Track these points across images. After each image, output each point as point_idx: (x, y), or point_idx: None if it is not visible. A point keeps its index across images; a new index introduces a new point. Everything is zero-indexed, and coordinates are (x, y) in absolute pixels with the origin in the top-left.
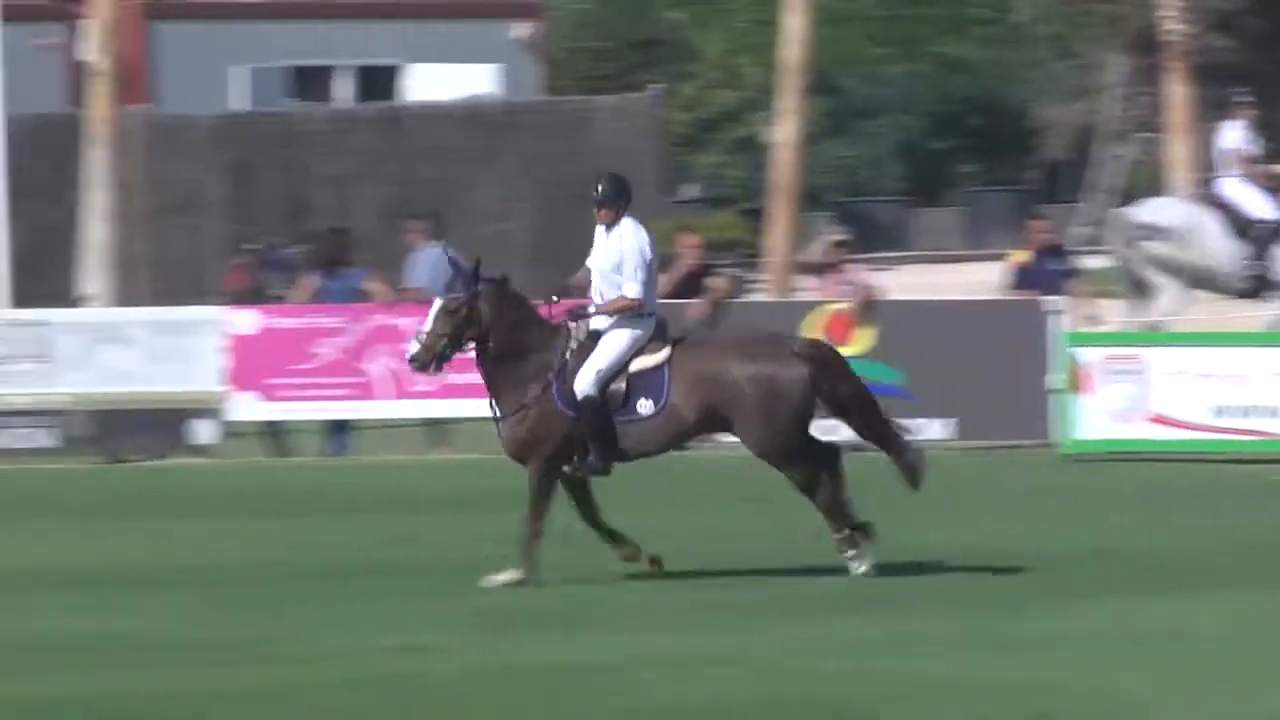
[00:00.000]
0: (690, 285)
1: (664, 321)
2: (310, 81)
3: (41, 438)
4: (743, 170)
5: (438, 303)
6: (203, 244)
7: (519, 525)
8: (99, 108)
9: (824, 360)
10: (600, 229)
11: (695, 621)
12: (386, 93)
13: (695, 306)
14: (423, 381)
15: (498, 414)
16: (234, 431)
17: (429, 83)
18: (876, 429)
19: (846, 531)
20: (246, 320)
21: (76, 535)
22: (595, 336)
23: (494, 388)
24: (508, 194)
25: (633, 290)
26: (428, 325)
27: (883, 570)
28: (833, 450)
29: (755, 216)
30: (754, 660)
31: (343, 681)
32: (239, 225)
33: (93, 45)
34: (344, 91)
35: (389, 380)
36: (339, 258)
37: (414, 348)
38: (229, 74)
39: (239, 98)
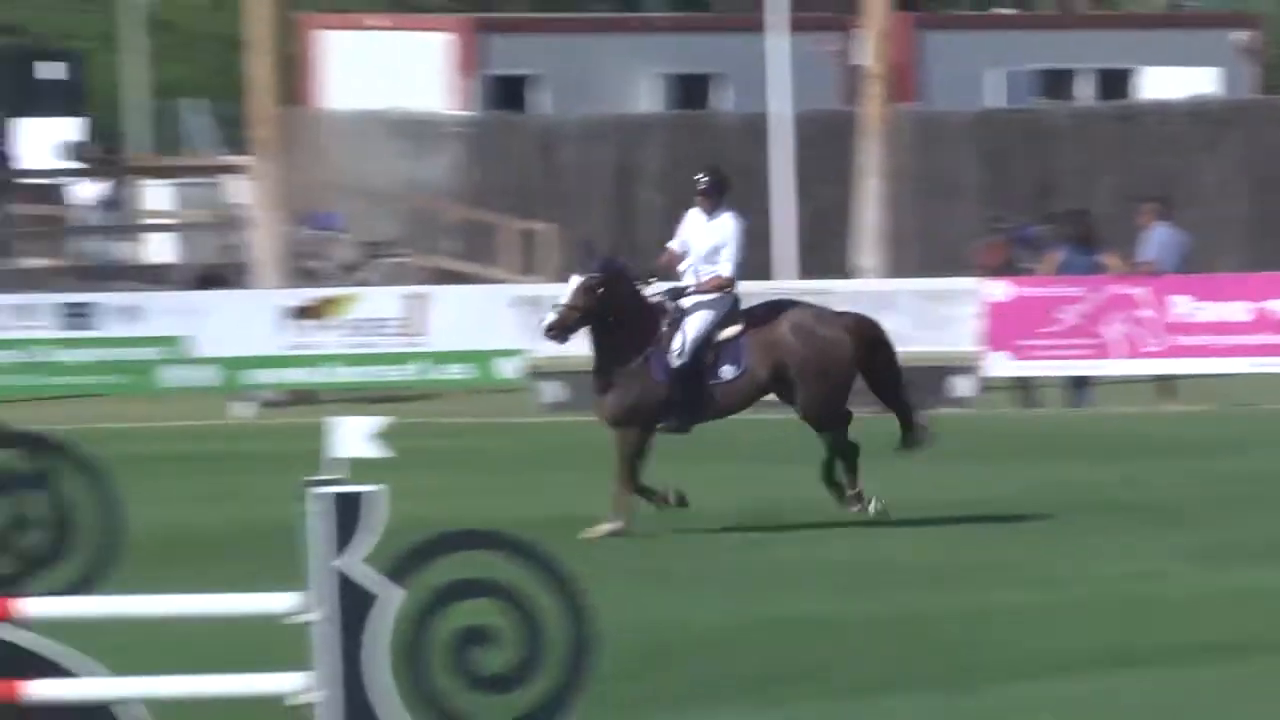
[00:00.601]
0: None
1: (738, 298)
2: (1055, 82)
3: None
4: None
5: (575, 279)
6: (961, 224)
7: (613, 483)
8: (872, 106)
9: (865, 334)
10: (700, 215)
11: None
12: (1122, 92)
13: None
14: (1153, 342)
15: (602, 382)
16: (988, 386)
17: (1159, 84)
18: (897, 399)
19: (860, 486)
20: (999, 290)
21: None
22: (682, 311)
23: (603, 358)
24: (1227, 181)
25: (728, 270)
26: (565, 299)
27: None
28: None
29: None
30: None
31: (1082, 601)
32: (992, 208)
33: (867, 52)
34: (1085, 91)
35: (1123, 342)
36: (1082, 236)
37: (551, 317)
38: (985, 76)
39: (994, 97)
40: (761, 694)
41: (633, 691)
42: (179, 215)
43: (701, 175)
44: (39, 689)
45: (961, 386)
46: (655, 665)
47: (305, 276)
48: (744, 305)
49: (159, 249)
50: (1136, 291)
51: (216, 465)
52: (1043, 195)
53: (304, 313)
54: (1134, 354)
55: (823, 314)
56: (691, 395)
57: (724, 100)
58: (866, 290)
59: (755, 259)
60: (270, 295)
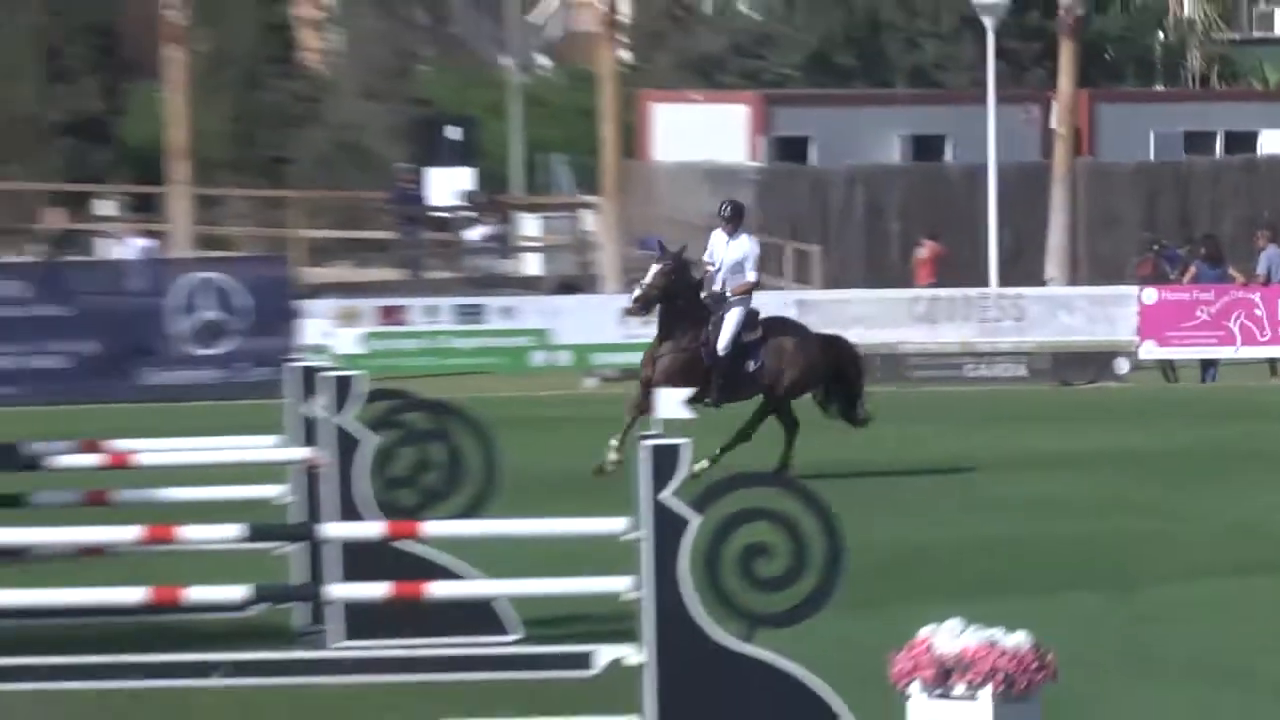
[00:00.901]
0: None
1: (756, 310)
2: (1195, 141)
3: (1017, 370)
4: None
5: (654, 266)
6: (1123, 246)
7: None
8: (1059, 159)
9: (839, 350)
10: (723, 236)
11: None
12: (1246, 148)
13: None
14: (1265, 334)
15: (658, 352)
16: (1140, 366)
17: (1273, 141)
18: (849, 407)
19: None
20: (1151, 295)
21: (1039, 434)
22: (722, 310)
23: (664, 332)
24: None
25: (753, 277)
26: (647, 279)
27: None
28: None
29: None
30: None
31: (1210, 528)
32: (1147, 235)
33: (1056, 118)
34: (1216, 148)
35: (1242, 333)
36: (1212, 255)
37: (636, 293)
38: (1143, 136)
39: (1149, 152)
40: (976, 594)
41: (878, 590)
42: (545, 239)
43: (724, 205)
44: (436, 589)
45: (1121, 367)
46: (891, 573)
47: (637, 285)
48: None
49: (530, 264)
50: (1253, 296)
51: (570, 425)
52: (1183, 225)
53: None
54: (1250, 342)
55: (808, 336)
56: (729, 379)
57: (950, 154)
58: (1052, 295)
59: (971, 272)
60: (611, 299)
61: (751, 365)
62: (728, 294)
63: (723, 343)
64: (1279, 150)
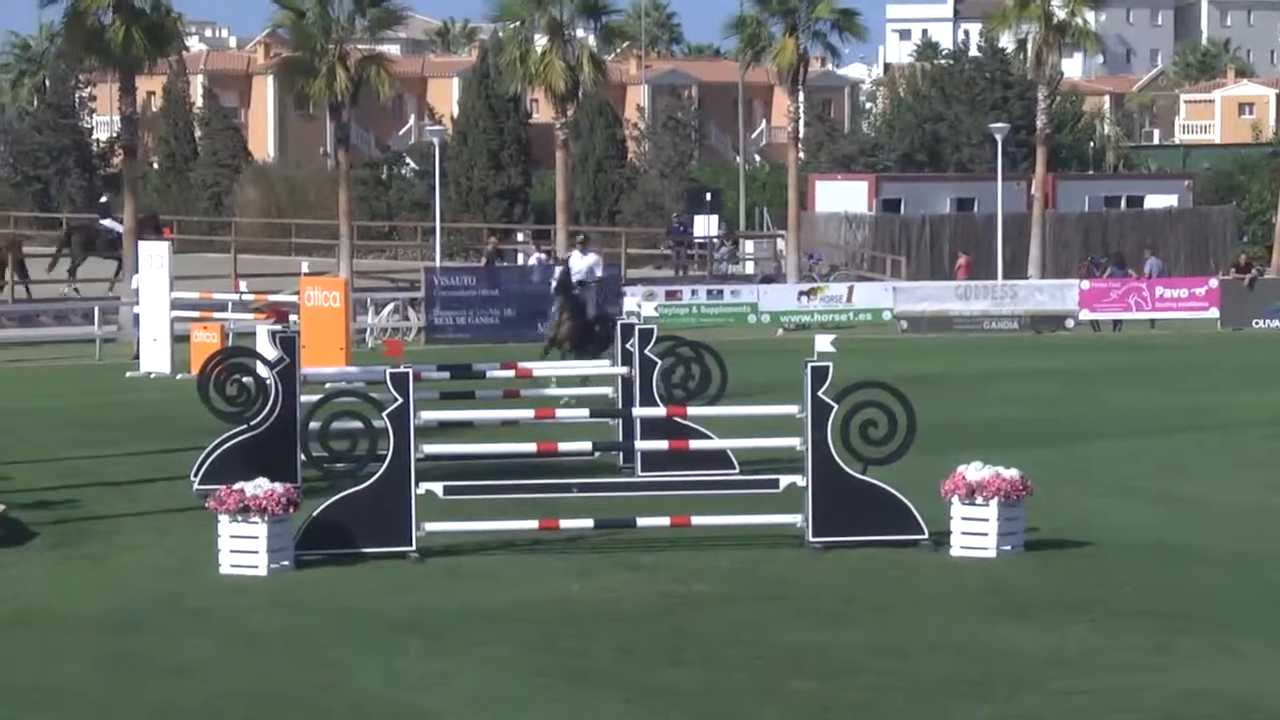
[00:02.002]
0: None
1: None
2: None
3: (1013, 325)
4: None
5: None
6: (1070, 258)
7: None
8: (1036, 211)
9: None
10: (579, 253)
11: None
12: None
13: None
14: None
15: (561, 320)
16: (1079, 323)
17: None
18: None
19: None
20: (1086, 284)
21: (1025, 358)
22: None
23: (562, 307)
24: None
25: (598, 274)
26: (554, 285)
27: None
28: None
29: None
30: None
31: (1123, 411)
32: (1084, 250)
33: (1035, 188)
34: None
35: (1134, 305)
36: (1120, 262)
37: (554, 285)
38: (1085, 198)
39: (1086, 206)
40: (989, 448)
41: (934, 445)
42: (756, 254)
43: (579, 235)
44: (693, 444)
45: (1069, 323)
46: (942, 436)
47: (808, 279)
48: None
49: (748, 267)
50: (1141, 285)
51: (768, 355)
52: (1105, 246)
53: (807, 294)
54: (1140, 309)
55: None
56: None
57: (977, 208)
58: (1032, 284)
59: (987, 272)
60: (792, 287)
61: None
62: (589, 284)
63: (590, 314)
64: (1157, 206)
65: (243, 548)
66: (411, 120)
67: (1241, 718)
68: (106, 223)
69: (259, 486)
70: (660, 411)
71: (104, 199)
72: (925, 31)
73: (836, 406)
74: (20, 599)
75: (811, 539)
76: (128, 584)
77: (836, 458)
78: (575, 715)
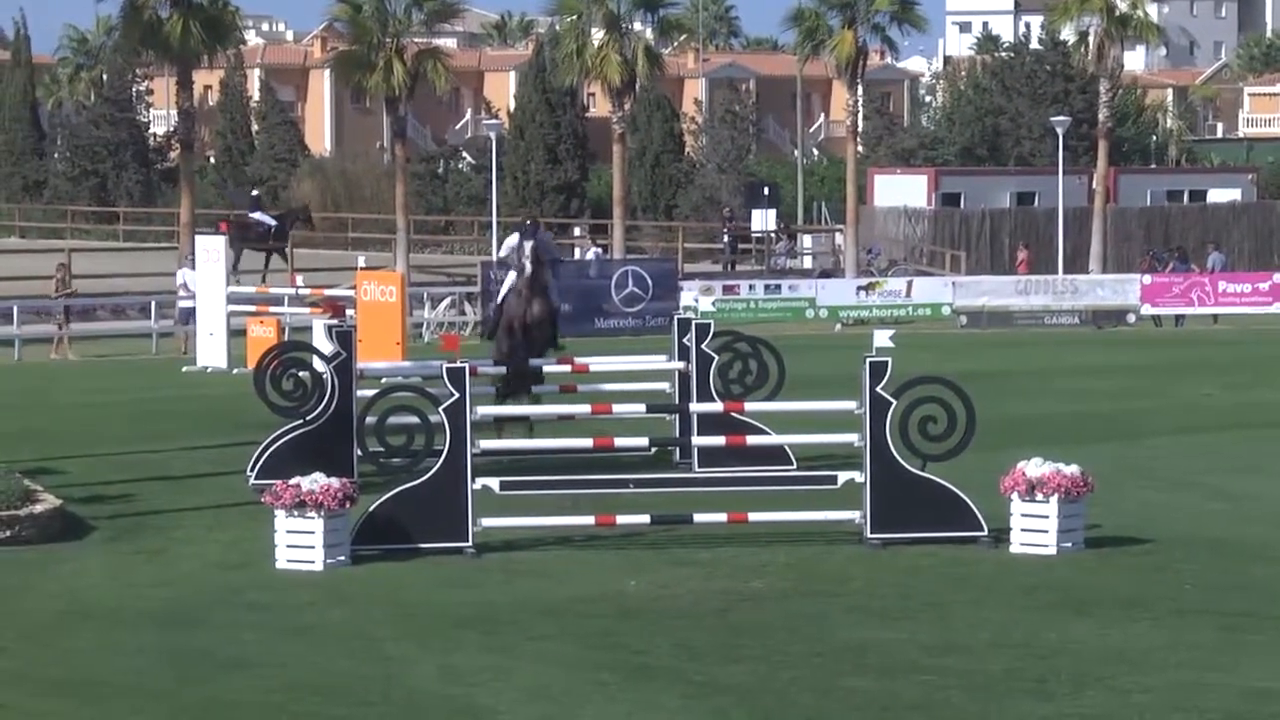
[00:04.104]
0: None
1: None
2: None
3: (1073, 320)
4: None
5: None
6: (1132, 252)
7: None
8: (1098, 205)
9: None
10: (518, 239)
11: None
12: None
13: None
14: None
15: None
16: (1140, 318)
17: None
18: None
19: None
20: (1148, 279)
21: (1086, 354)
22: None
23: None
24: None
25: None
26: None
27: None
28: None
29: None
30: None
31: (1184, 407)
32: (1146, 245)
33: (1097, 182)
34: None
35: (1196, 300)
36: (1183, 256)
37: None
38: (1147, 193)
39: (1148, 200)
40: (1050, 444)
41: (994, 441)
42: (814, 249)
43: (526, 221)
44: (751, 439)
45: (1130, 318)
46: (1002, 432)
47: (866, 273)
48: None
49: (806, 261)
50: (1204, 279)
51: (825, 350)
52: (1166, 241)
53: (865, 289)
54: (1202, 305)
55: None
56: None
57: (1037, 203)
58: (1093, 279)
59: (1047, 266)
60: (851, 282)
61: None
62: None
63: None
64: (1220, 200)
65: (299, 543)
66: (468, 114)
67: None
68: (257, 215)
69: (315, 481)
70: (717, 407)
71: (255, 193)
72: (985, 24)
73: (895, 402)
74: (78, 592)
75: (870, 535)
76: (185, 578)
77: (895, 454)
78: (632, 711)
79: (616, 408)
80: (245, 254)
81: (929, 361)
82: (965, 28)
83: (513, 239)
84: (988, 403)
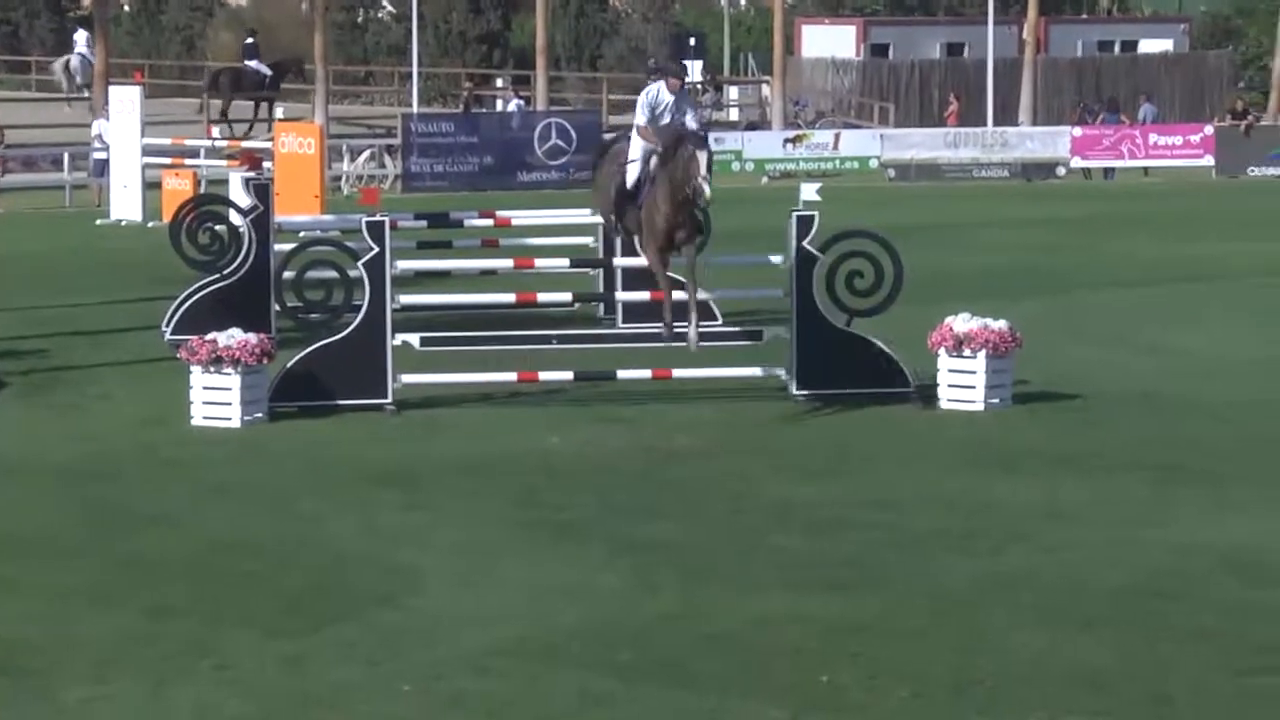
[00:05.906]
0: None
1: None
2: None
3: (1003, 173)
4: None
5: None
6: (1062, 104)
7: None
8: (1028, 56)
9: None
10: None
11: None
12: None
13: None
14: None
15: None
16: (1070, 170)
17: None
18: None
19: None
20: (1078, 131)
21: (1015, 207)
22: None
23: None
24: None
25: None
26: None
27: None
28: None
29: None
30: None
31: (1113, 261)
32: (1077, 96)
33: (1027, 32)
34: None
35: (1126, 153)
36: (1114, 108)
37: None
38: (1078, 43)
39: (1079, 51)
40: (977, 298)
41: (922, 296)
42: (741, 100)
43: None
44: (675, 294)
45: (1060, 171)
46: (930, 286)
47: (793, 126)
48: None
49: (732, 114)
50: (1134, 131)
51: (751, 204)
52: (1096, 92)
53: (792, 142)
54: (1133, 158)
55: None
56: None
57: (967, 53)
58: (1023, 130)
59: (977, 118)
60: (778, 134)
61: None
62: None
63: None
64: (1152, 51)
65: (216, 399)
66: None
67: (1236, 571)
68: (253, 64)
69: (232, 337)
70: (641, 261)
71: (250, 40)
72: None
73: (822, 256)
74: None
75: (796, 392)
76: (101, 434)
77: (821, 309)
78: (556, 568)
79: (539, 262)
80: (234, 106)
81: (857, 215)
82: None
83: (659, 92)
84: (916, 257)
